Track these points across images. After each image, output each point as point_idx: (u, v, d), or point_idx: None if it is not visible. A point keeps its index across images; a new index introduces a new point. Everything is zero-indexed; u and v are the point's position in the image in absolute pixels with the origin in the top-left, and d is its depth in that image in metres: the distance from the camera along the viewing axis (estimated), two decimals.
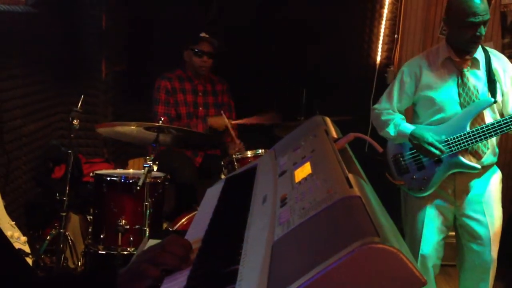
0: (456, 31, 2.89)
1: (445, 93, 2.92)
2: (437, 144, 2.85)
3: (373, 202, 1.04)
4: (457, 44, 2.91)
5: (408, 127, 2.95)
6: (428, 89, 2.96)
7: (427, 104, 2.99)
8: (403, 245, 0.89)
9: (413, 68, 3.02)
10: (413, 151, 2.98)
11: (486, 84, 2.90)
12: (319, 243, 0.92)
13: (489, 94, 2.89)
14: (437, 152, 2.85)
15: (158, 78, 4.02)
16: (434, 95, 2.94)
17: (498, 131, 2.81)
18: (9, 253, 1.24)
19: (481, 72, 2.92)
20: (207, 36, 4.02)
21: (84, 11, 4.18)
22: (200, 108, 4.07)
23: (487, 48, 2.98)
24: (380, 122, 3.09)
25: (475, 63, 2.93)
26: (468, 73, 2.92)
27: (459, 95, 2.90)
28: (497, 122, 2.82)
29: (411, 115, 3.18)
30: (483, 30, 2.81)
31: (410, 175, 3.03)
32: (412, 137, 2.90)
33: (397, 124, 2.98)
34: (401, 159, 3.05)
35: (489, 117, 2.90)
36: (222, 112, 3.90)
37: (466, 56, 2.91)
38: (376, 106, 3.16)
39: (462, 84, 2.90)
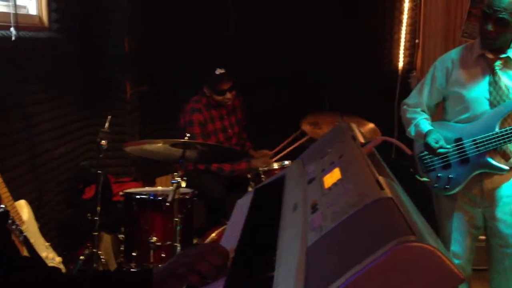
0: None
1: (476, 90, 2.86)
2: (434, 145, 2.81)
3: (406, 203, 1.04)
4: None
5: (424, 128, 2.91)
6: (458, 85, 2.90)
7: (456, 101, 2.93)
8: (439, 243, 0.89)
9: (446, 62, 2.97)
10: None
11: None
12: (354, 245, 0.92)
13: None
14: (441, 151, 2.82)
15: (188, 109, 3.90)
16: (463, 92, 2.88)
17: None
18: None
19: None
20: (223, 71, 3.89)
21: (106, 34, 4.25)
22: (230, 130, 4.08)
23: None
24: (405, 120, 3.08)
25: (508, 62, 2.84)
26: (501, 72, 2.84)
27: (490, 93, 2.83)
28: None
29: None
30: (489, 26, 2.72)
31: (435, 173, 2.99)
32: (425, 137, 2.88)
33: (417, 125, 2.96)
34: (427, 156, 3.01)
35: None
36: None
37: (499, 54, 2.83)
38: (405, 100, 3.12)
39: (493, 82, 2.83)
